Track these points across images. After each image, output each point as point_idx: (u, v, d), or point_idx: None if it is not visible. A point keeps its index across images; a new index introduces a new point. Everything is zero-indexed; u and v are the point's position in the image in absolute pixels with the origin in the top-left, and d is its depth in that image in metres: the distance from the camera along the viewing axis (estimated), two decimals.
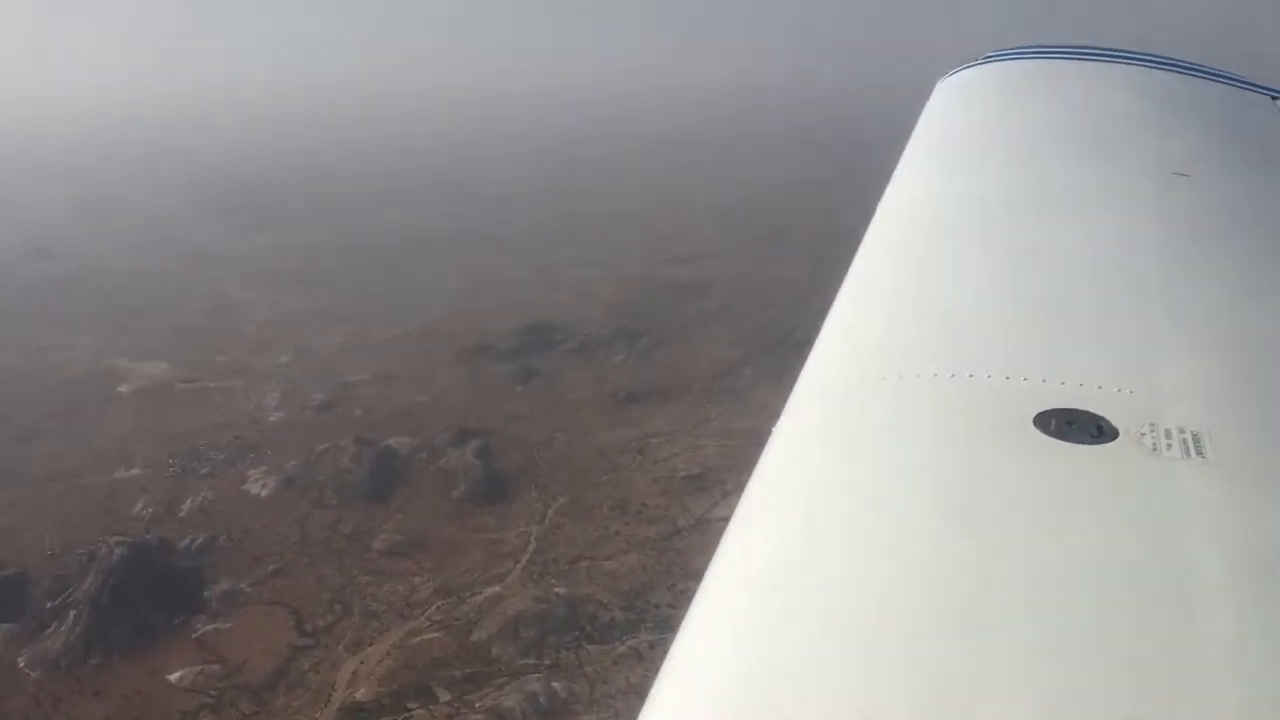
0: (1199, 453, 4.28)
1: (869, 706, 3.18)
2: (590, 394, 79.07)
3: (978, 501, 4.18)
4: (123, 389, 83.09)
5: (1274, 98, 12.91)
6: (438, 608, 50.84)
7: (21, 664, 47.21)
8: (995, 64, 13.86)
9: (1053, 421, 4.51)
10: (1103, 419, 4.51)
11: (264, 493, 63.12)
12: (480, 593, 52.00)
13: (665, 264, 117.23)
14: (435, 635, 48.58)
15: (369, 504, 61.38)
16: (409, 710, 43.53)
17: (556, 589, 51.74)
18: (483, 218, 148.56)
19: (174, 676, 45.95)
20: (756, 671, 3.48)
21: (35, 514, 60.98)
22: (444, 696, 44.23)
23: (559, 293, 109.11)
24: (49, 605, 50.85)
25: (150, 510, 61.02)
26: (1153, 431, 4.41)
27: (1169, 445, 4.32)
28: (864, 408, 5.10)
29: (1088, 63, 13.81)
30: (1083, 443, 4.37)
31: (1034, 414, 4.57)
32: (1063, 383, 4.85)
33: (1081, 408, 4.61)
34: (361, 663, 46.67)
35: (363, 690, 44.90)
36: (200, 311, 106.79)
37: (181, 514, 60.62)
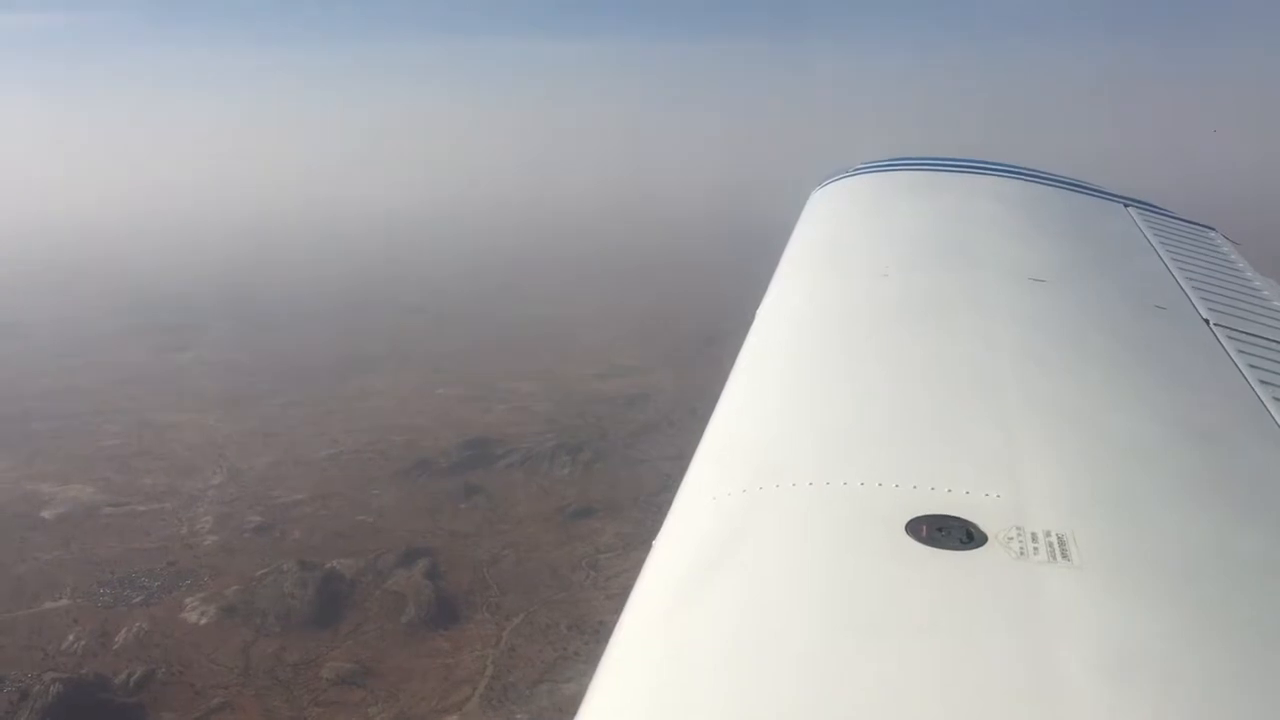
0: (1064, 555, 4.42)
1: None
2: (536, 509, 77.78)
3: (852, 610, 4.25)
4: (45, 514, 79.42)
5: (1126, 205, 13.66)
6: None
7: None
8: (866, 175, 14.48)
9: (924, 528, 4.64)
10: (972, 524, 4.65)
11: (203, 621, 60.33)
12: None
13: (601, 377, 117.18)
14: None
15: (315, 630, 59.01)
16: None
17: (518, 716, 50.00)
18: (415, 333, 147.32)
19: None
20: None
21: None
22: None
23: (496, 407, 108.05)
24: None
25: (83, 643, 57.77)
26: (1019, 535, 4.55)
27: (1035, 549, 4.46)
28: (741, 516, 5.19)
29: (952, 174, 14.38)
30: (953, 548, 4.49)
31: (906, 520, 4.70)
32: (932, 488, 4.99)
33: (952, 513, 4.75)
34: None
35: None
36: (122, 432, 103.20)
37: (116, 646, 57.50)
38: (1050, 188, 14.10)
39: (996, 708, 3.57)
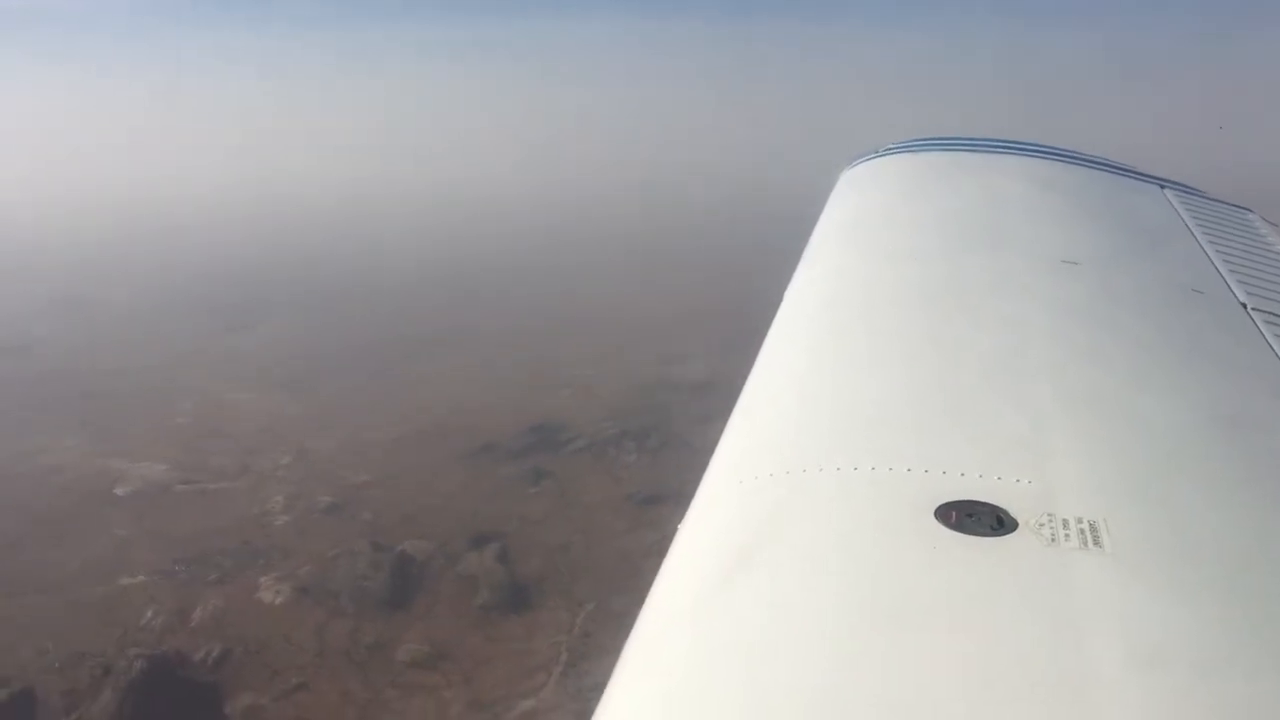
0: (1096, 542, 4.38)
1: None
2: (605, 495, 77.45)
3: (880, 596, 4.22)
4: (118, 491, 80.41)
5: (1161, 186, 13.44)
6: None
7: None
8: (894, 156, 14.37)
9: (953, 514, 4.60)
10: (1002, 510, 4.61)
11: (278, 600, 60.61)
12: (515, 708, 49.86)
13: (665, 362, 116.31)
14: None
15: (388, 612, 59.08)
16: None
17: (595, 704, 49.59)
18: (477, 315, 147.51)
19: None
20: None
21: (36, 626, 58.11)
22: None
23: (560, 392, 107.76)
24: None
25: (160, 620, 58.28)
26: (1050, 522, 4.53)
27: (1067, 535, 4.43)
28: (768, 502, 5.20)
29: (983, 154, 14.23)
30: (982, 534, 4.46)
31: (935, 506, 4.67)
32: (962, 474, 4.97)
33: (981, 499, 4.72)
34: None
35: None
36: (190, 411, 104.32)
37: (193, 624, 57.92)
38: (1083, 168, 13.91)
39: (1026, 697, 3.55)
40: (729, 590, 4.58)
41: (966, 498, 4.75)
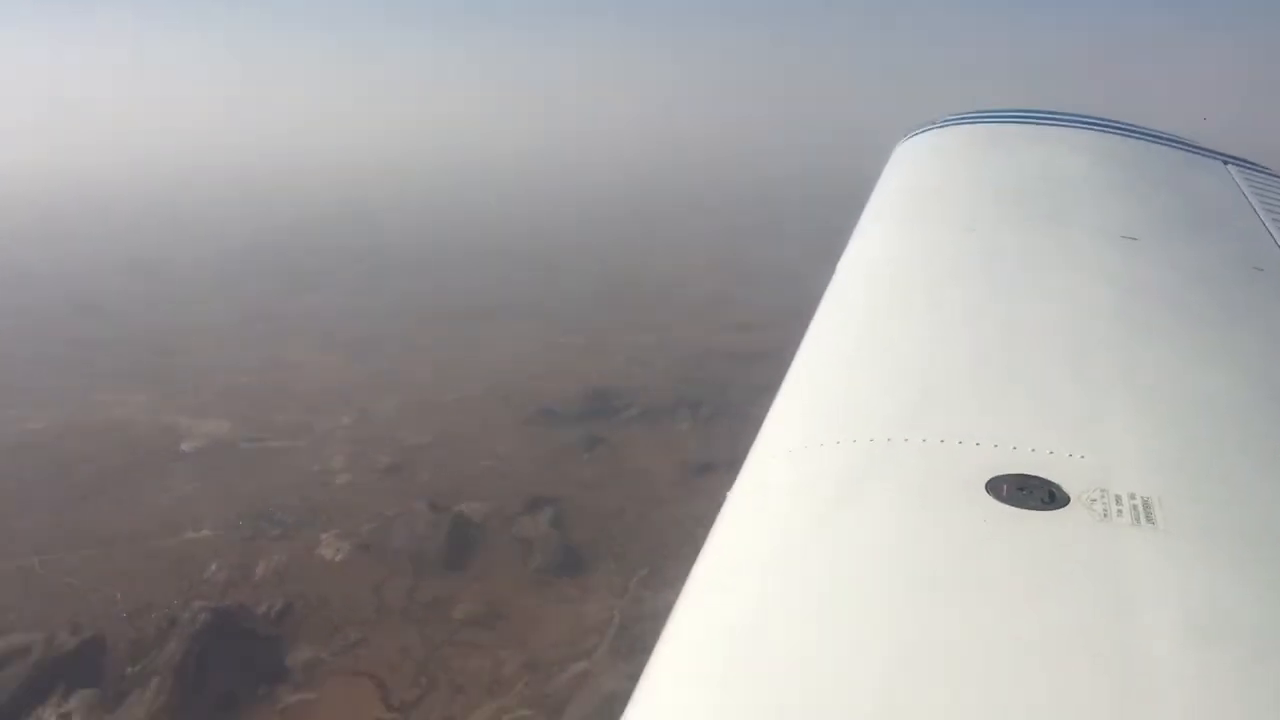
0: (1149, 519, 4.32)
1: None
2: (658, 463, 77.92)
3: (931, 568, 4.19)
4: (185, 447, 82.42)
5: (1225, 162, 13.10)
6: (526, 684, 49.41)
7: None
8: (952, 127, 14.16)
9: (1004, 487, 4.55)
10: (1054, 485, 4.56)
11: (338, 558, 61.96)
12: (568, 669, 50.58)
13: (721, 331, 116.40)
14: (526, 713, 47.15)
15: (445, 572, 60.14)
16: None
17: None
18: (535, 282, 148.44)
19: None
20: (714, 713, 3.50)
21: (105, 575, 59.99)
22: None
23: (614, 359, 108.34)
24: (129, 671, 49.60)
25: (224, 574, 59.84)
26: (1103, 497, 4.48)
27: (1119, 511, 4.38)
28: (817, 472, 5.16)
29: (1042, 126, 14.05)
30: (1034, 508, 4.41)
31: (986, 479, 4.63)
32: (1015, 448, 4.91)
33: (1033, 473, 4.66)
34: None
35: None
36: (254, 370, 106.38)
37: (256, 578, 59.44)
38: (1145, 142, 13.63)
39: (1078, 672, 3.52)
40: (776, 560, 4.55)
41: (1019, 471, 4.68)
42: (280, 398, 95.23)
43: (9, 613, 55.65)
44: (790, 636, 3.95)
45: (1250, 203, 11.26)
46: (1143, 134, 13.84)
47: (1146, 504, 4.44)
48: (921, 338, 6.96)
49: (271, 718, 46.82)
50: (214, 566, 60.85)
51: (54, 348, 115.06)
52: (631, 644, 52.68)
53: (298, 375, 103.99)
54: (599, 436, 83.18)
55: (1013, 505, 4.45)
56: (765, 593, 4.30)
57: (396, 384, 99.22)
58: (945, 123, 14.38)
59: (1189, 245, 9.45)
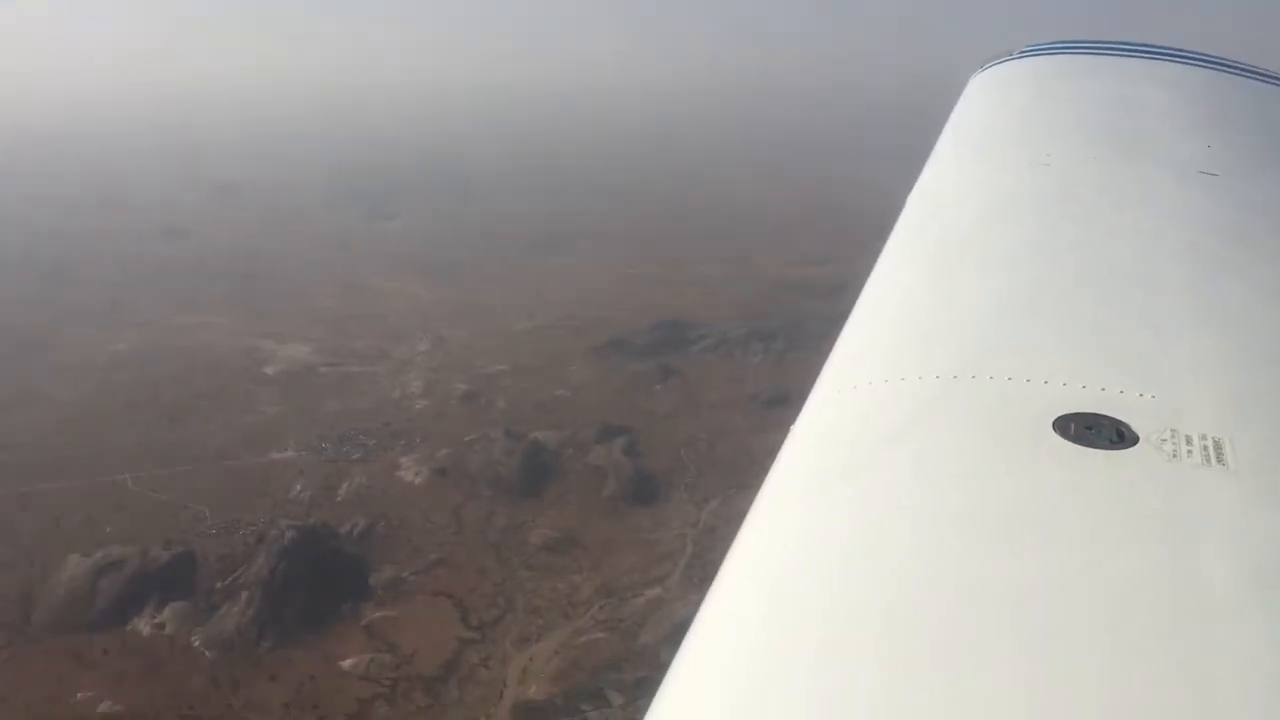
0: (1220, 460, 4.22)
1: (876, 707, 3.14)
2: (730, 394, 78.14)
3: (995, 506, 4.13)
4: (268, 370, 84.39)
5: None
6: (600, 608, 50.49)
7: (196, 643, 47.84)
8: (1028, 59, 13.72)
9: (1072, 426, 4.49)
10: (1123, 424, 4.47)
11: (417, 480, 63.41)
12: (642, 595, 51.55)
13: (795, 264, 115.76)
14: (601, 636, 48.21)
15: (521, 498, 61.28)
16: (583, 712, 43.17)
17: None
18: (608, 212, 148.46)
19: (346, 664, 46.14)
20: (767, 668, 3.46)
21: (194, 493, 62.06)
22: (617, 700, 43.76)
23: (687, 290, 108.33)
24: (218, 585, 51.56)
25: (309, 494, 61.65)
26: (1173, 438, 4.37)
27: (1189, 452, 4.28)
28: (882, 408, 5.07)
29: (1121, 58, 13.45)
30: (1102, 448, 4.33)
31: (1053, 418, 4.54)
32: (1083, 386, 4.81)
33: (1102, 412, 4.58)
34: (530, 660, 46.45)
35: (534, 689, 44.68)
36: (334, 295, 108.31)
37: (339, 498, 61.14)
38: (1229, 75, 13.05)
39: (1144, 611, 3.46)
40: (836, 494, 4.51)
41: (1087, 410, 4.61)
42: (359, 323, 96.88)
43: (104, 526, 58.00)
44: (850, 571, 3.89)
45: None
46: (1226, 66, 13.34)
47: (1218, 445, 4.34)
48: (990, 274, 6.81)
49: (356, 633, 48.43)
50: (298, 486, 62.67)
51: (140, 270, 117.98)
52: (704, 573, 53.39)
53: (375, 301, 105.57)
54: (671, 367, 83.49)
55: (1080, 444, 4.38)
56: (825, 529, 4.27)
57: (472, 311, 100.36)
58: (1021, 54, 14.08)
59: (1269, 182, 9.16)
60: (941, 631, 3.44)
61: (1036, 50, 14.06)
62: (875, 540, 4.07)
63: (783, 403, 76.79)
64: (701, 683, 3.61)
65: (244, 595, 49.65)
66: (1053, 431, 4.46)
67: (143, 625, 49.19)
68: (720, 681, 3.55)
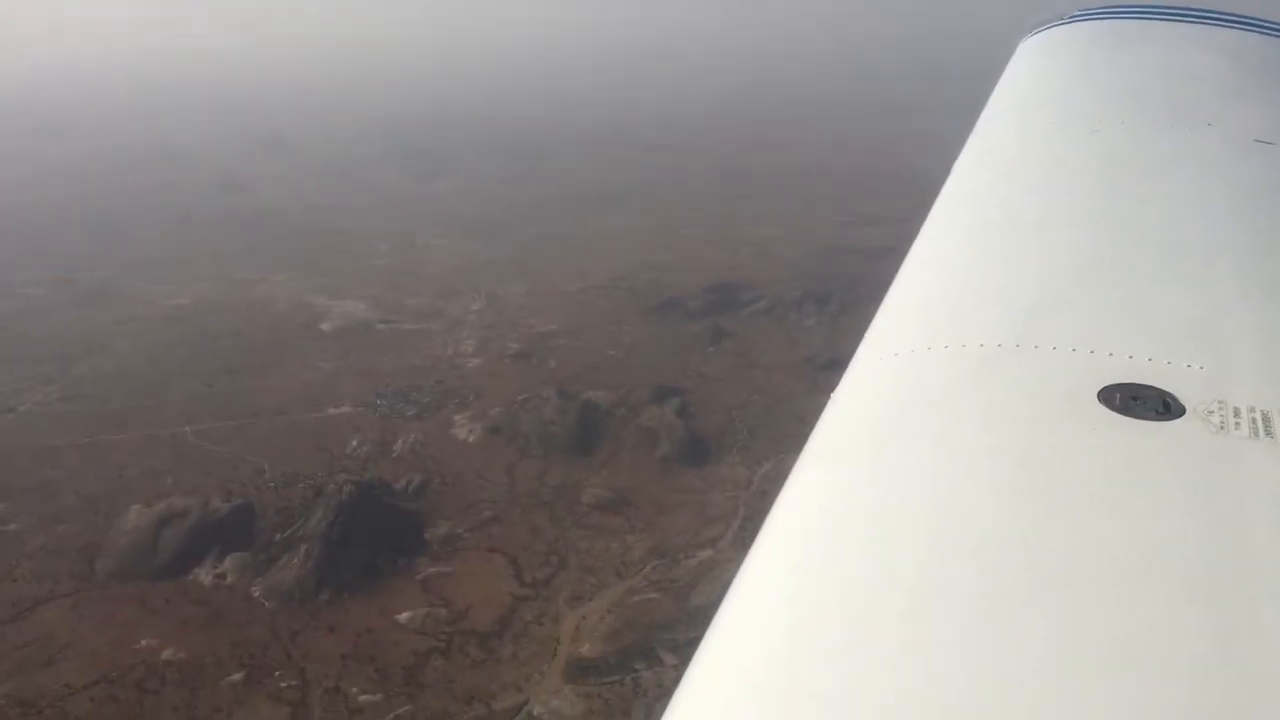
0: (1268, 433, 4.15)
1: (909, 676, 3.11)
2: (784, 358, 77.72)
3: (1038, 475, 4.09)
4: (324, 326, 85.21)
5: None
6: (653, 568, 50.69)
7: (256, 594, 48.72)
8: (1081, 23, 13.49)
9: (1117, 396, 4.45)
10: (1169, 395, 4.43)
11: (471, 438, 63.87)
12: (694, 556, 51.66)
13: (851, 225, 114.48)
14: (654, 597, 48.43)
15: (574, 457, 61.56)
16: (636, 671, 43.50)
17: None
18: (660, 172, 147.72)
19: (402, 617, 46.79)
20: (803, 632, 3.46)
21: (252, 445, 63.00)
22: (670, 660, 43.99)
23: (740, 251, 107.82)
24: (277, 538, 52.38)
25: (365, 449, 62.33)
26: (1221, 409, 4.30)
27: (1237, 424, 4.21)
28: (924, 376, 5.03)
29: (1174, 23, 13.11)
30: (1148, 419, 4.28)
31: (1099, 388, 4.51)
32: (1130, 356, 4.77)
33: (1148, 383, 4.53)
34: (584, 618, 46.81)
35: (587, 646, 45.03)
36: (388, 252, 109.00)
37: (394, 454, 61.76)
38: None
39: (1189, 584, 3.42)
40: (876, 461, 4.51)
41: (1133, 380, 4.58)
42: (413, 281, 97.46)
43: (166, 477, 59.08)
44: (886, 540, 3.88)
45: None
46: None
47: (1266, 417, 4.29)
48: (1036, 242, 6.79)
49: (411, 588, 49.06)
50: (354, 442, 63.38)
51: (198, 225, 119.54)
52: (757, 535, 53.44)
53: (429, 259, 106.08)
54: (724, 329, 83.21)
55: (1125, 415, 4.36)
56: (866, 495, 4.25)
57: (525, 271, 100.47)
58: (1072, 18, 13.87)
59: None
60: (978, 601, 3.43)
61: (1087, 15, 13.91)
62: (914, 508, 4.06)
63: (837, 367, 74.45)
64: (740, 643, 3.62)
65: (302, 548, 50.38)
66: (1098, 401, 4.45)
67: (204, 575, 50.16)
68: (758, 643, 3.56)
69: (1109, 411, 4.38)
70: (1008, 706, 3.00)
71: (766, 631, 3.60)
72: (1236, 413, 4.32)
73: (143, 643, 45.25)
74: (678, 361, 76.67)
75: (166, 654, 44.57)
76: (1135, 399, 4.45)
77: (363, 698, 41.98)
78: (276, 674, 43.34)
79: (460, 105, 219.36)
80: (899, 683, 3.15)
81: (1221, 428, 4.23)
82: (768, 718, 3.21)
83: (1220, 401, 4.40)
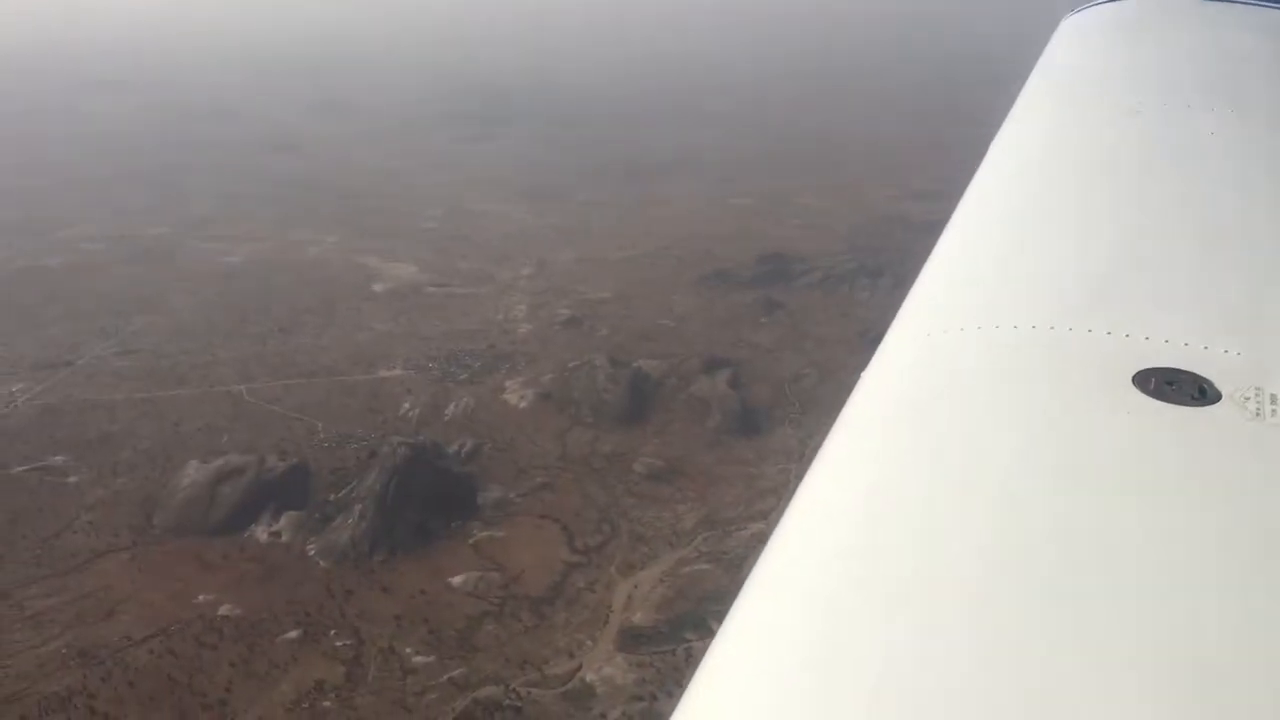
0: None
1: (949, 646, 3.10)
2: (837, 330, 77.05)
3: (1070, 458, 4.04)
4: (376, 288, 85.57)
5: None
6: (704, 539, 50.67)
7: (311, 552, 49.20)
8: (1123, 1, 13.19)
9: (1153, 381, 4.40)
10: (1205, 380, 4.38)
11: (522, 404, 63.97)
12: (745, 528, 51.53)
13: (905, 198, 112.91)
14: (705, 567, 48.43)
15: (625, 425, 61.52)
16: (688, 641, 43.48)
17: None
18: (712, 140, 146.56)
19: (455, 580, 47.08)
20: (826, 610, 3.43)
21: (306, 405, 63.53)
22: None
23: (791, 222, 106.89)
24: (332, 498, 52.81)
25: (417, 412, 62.64)
26: (1257, 395, 4.24)
27: (1274, 411, 4.16)
28: (956, 357, 4.99)
29: (1221, 2, 12.75)
30: (1183, 404, 4.22)
31: (1134, 372, 4.45)
32: (1166, 341, 4.72)
33: (1184, 368, 4.47)
34: (635, 587, 46.91)
35: (639, 615, 45.11)
36: (438, 216, 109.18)
37: (446, 418, 62.03)
38: None
39: (1222, 570, 3.38)
40: (907, 441, 4.49)
41: (1168, 365, 4.53)
42: (464, 245, 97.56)
43: (221, 434, 59.73)
44: (915, 519, 3.85)
45: None
46: None
47: None
48: (1072, 225, 6.68)
49: (464, 551, 49.33)
50: (407, 404, 63.68)
51: (251, 185, 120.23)
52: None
53: (480, 223, 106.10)
54: (776, 300, 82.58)
55: (1160, 399, 4.29)
56: (895, 475, 4.21)
57: (575, 237, 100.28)
58: None
59: None
60: (1004, 584, 3.41)
61: None
62: (944, 489, 4.02)
63: None
64: (769, 617, 3.58)
65: (357, 508, 50.74)
66: (1132, 386, 4.39)
67: (260, 532, 50.70)
68: (784, 619, 3.53)
69: (1144, 396, 4.33)
70: (1041, 684, 2.98)
71: (791, 609, 3.56)
72: (1273, 399, 4.28)
73: (200, 598, 45.86)
74: (729, 332, 76.30)
75: (224, 609, 45.16)
76: (1170, 384, 4.39)
77: (416, 659, 42.31)
78: (332, 633, 43.79)
79: (509, 69, 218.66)
80: (905, 668, 3.12)
81: (1257, 414, 4.19)
82: (802, 687, 3.17)
83: (1257, 388, 4.35)
